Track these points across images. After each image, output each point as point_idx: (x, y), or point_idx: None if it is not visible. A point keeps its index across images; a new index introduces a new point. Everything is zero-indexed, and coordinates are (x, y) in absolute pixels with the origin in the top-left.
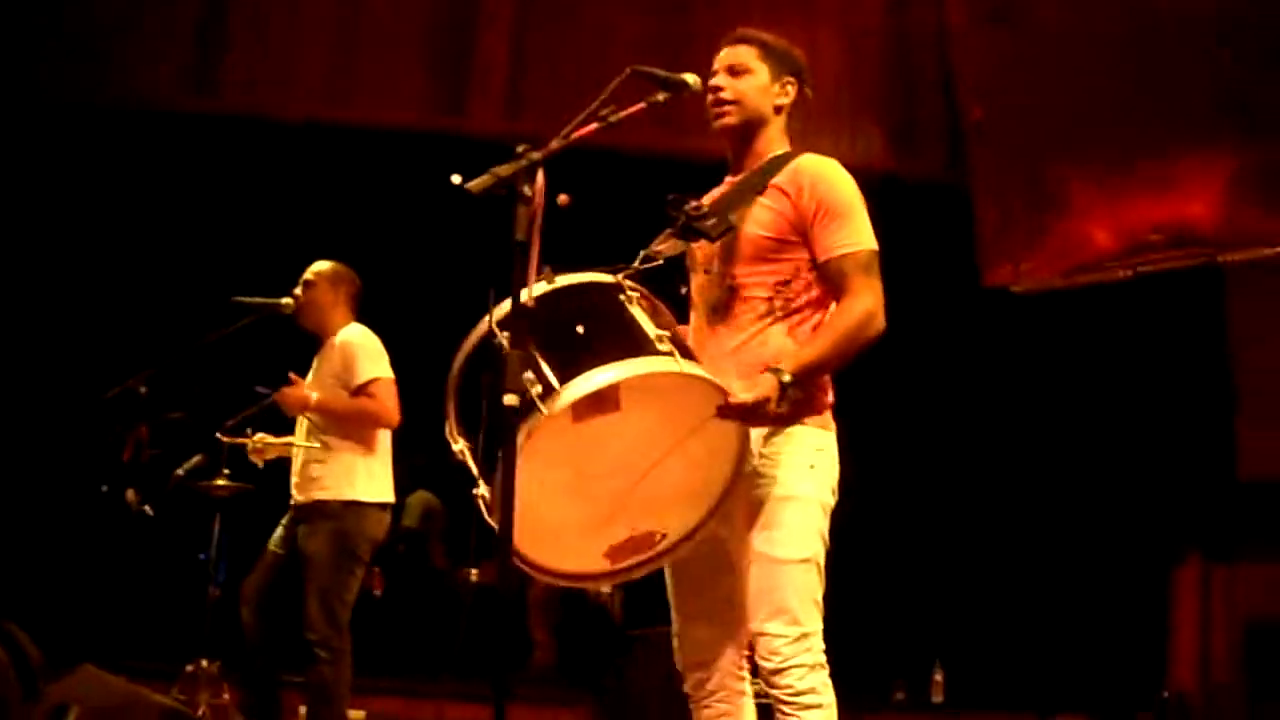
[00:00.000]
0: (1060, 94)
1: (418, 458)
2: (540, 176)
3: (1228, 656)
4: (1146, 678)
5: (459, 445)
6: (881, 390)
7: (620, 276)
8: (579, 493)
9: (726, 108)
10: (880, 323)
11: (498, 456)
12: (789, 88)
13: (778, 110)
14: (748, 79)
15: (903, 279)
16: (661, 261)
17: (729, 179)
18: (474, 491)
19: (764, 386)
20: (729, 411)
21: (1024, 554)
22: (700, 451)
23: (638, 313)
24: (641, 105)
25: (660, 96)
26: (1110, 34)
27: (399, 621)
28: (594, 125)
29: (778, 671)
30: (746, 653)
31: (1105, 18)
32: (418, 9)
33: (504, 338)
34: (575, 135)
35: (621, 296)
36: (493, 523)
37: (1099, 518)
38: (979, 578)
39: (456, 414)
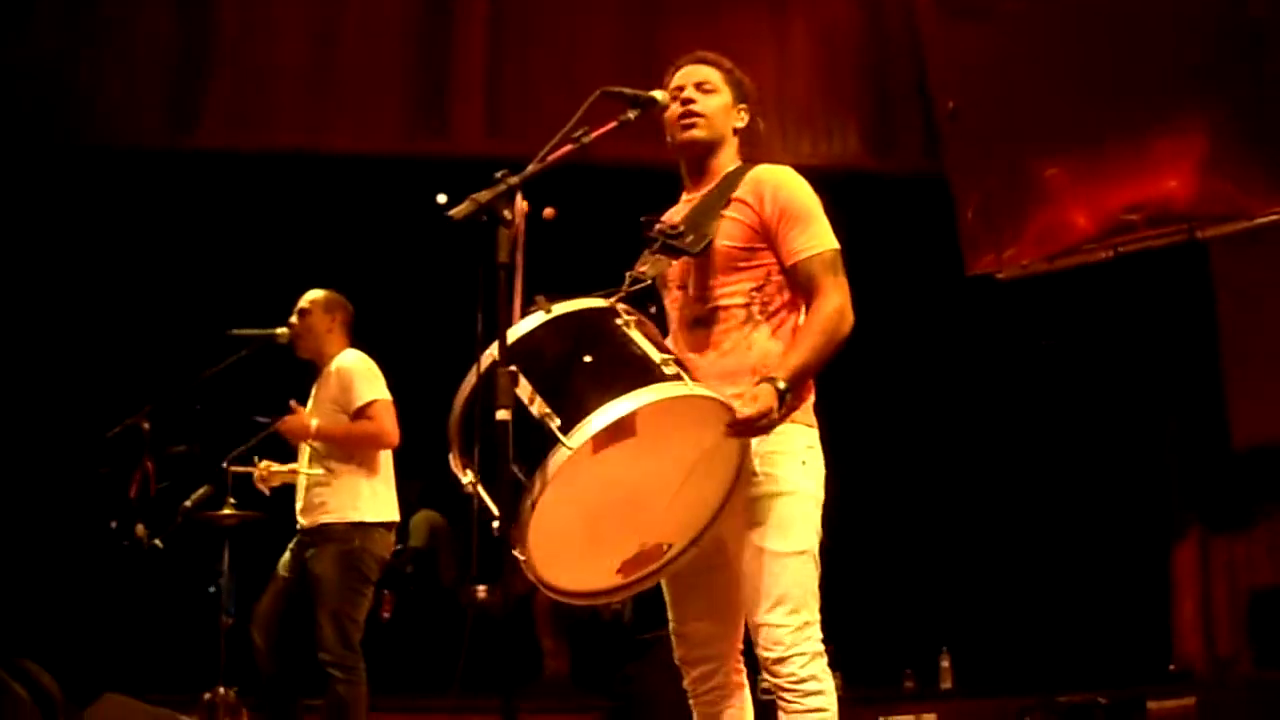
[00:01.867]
0: (1032, 81)
1: (413, 484)
2: (519, 199)
3: (1231, 626)
4: (1152, 652)
5: (468, 478)
6: (879, 383)
7: (614, 300)
8: (594, 518)
9: (697, 120)
10: (851, 317)
11: (518, 485)
12: (743, 113)
13: (734, 133)
14: (715, 97)
15: (889, 272)
16: (650, 282)
17: (686, 196)
18: (493, 524)
19: (765, 398)
20: (738, 428)
21: (1025, 538)
22: (705, 464)
23: (637, 337)
24: (613, 124)
25: (630, 114)
26: (1078, 19)
27: (409, 640)
28: (569, 147)
29: (781, 660)
30: (742, 646)
31: (1072, 5)
32: (392, 35)
33: (516, 374)
34: (551, 158)
35: (618, 320)
36: (518, 555)
37: (1097, 497)
38: (982, 564)
39: (460, 447)
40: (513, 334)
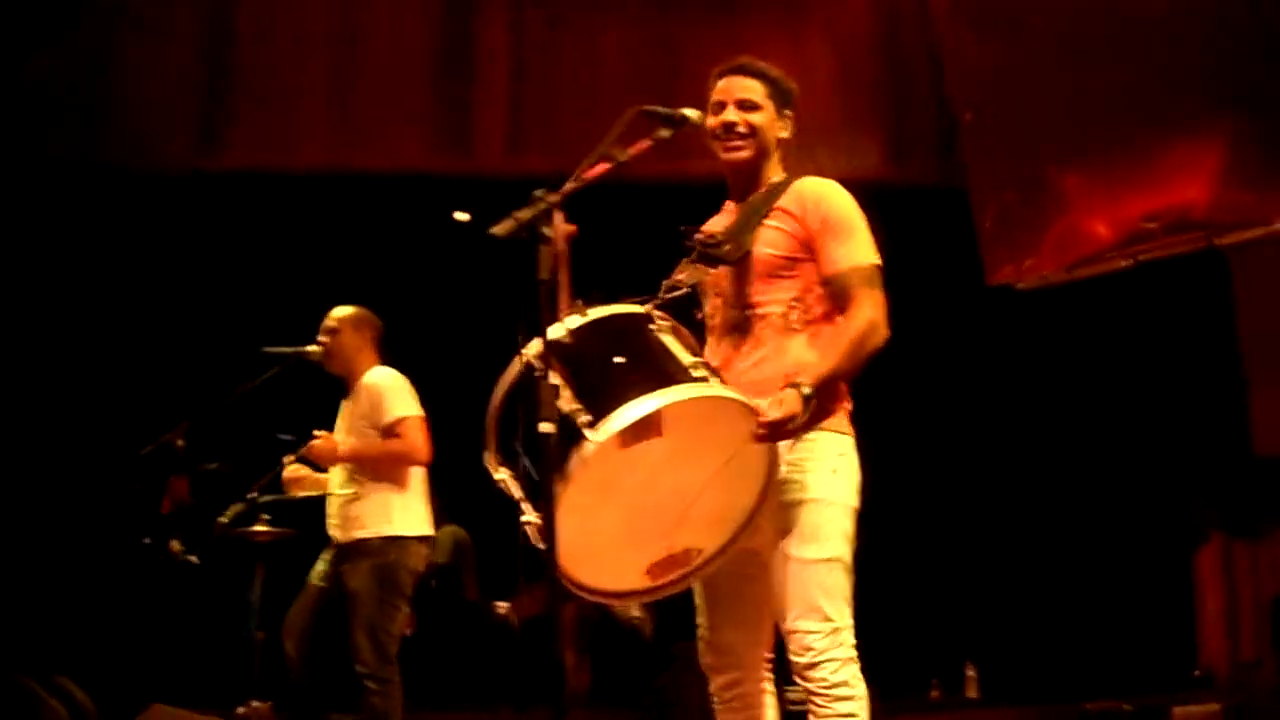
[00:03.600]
0: (1050, 92)
1: (434, 500)
2: (559, 217)
3: (1255, 632)
4: (1177, 659)
5: (500, 474)
6: (901, 393)
7: (649, 307)
8: (621, 516)
9: (741, 142)
10: (884, 331)
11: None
12: (788, 121)
13: (778, 144)
14: (758, 114)
15: (909, 283)
16: (685, 290)
17: (730, 205)
18: (521, 519)
19: (790, 402)
20: (764, 430)
21: (1048, 546)
22: (732, 470)
23: (669, 341)
24: (647, 143)
25: (664, 133)
26: (1096, 31)
27: (434, 655)
28: (604, 165)
29: (811, 666)
30: (770, 655)
31: (1090, 16)
32: (416, 54)
33: (550, 384)
34: (588, 176)
35: (651, 326)
36: (541, 546)
37: (1120, 505)
38: (1006, 573)
39: (496, 444)
40: (549, 333)
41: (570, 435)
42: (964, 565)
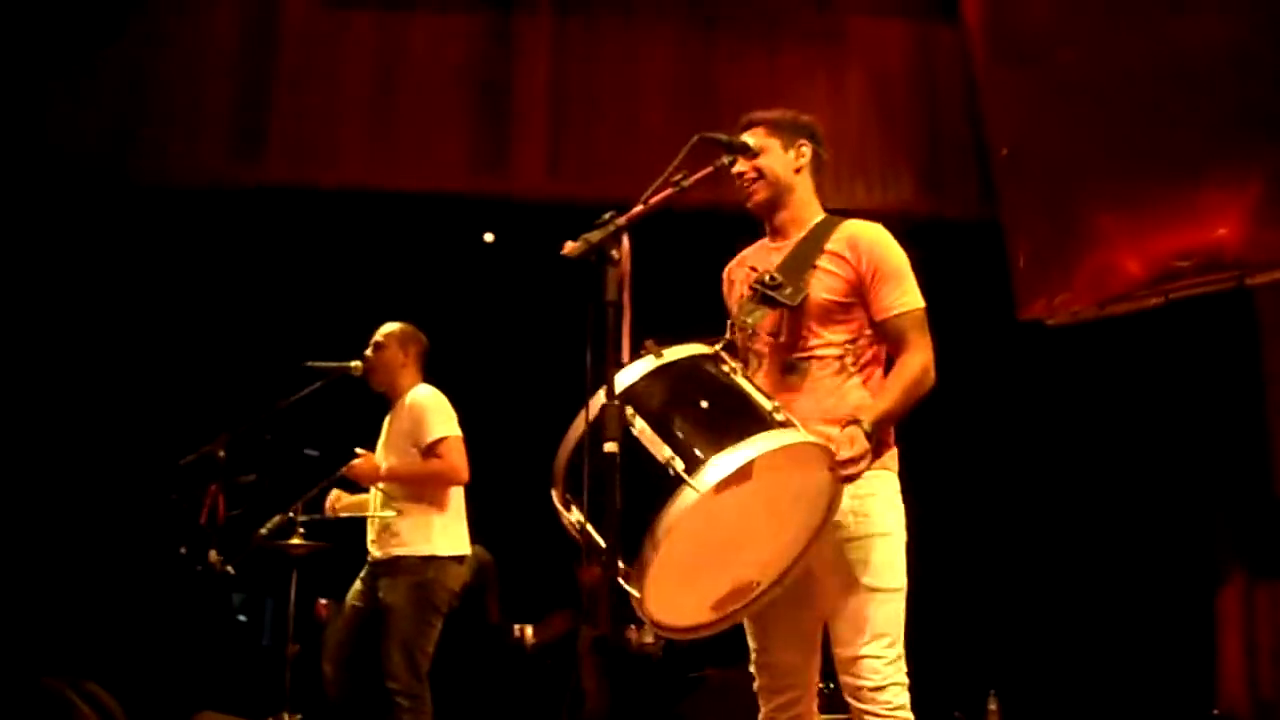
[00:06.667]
0: (1085, 128)
1: None
2: (625, 240)
3: (1274, 670)
4: (1197, 697)
5: (574, 516)
6: (927, 426)
7: (719, 347)
8: (698, 557)
9: (753, 185)
10: (933, 376)
11: (641, 535)
12: (804, 149)
13: (798, 171)
14: (763, 156)
15: (940, 316)
16: (753, 330)
17: (768, 243)
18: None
19: (860, 440)
20: (841, 469)
21: (1071, 581)
22: (799, 505)
23: (744, 383)
24: (710, 169)
25: (725, 160)
26: (1131, 68)
27: (454, 677)
28: (669, 190)
29: (879, 689)
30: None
31: (1126, 53)
32: (455, 74)
33: (631, 416)
34: (653, 201)
35: (725, 368)
36: (634, 592)
37: (1143, 542)
38: (1029, 606)
39: (566, 486)
40: (626, 376)
41: (662, 483)
42: (989, 597)
